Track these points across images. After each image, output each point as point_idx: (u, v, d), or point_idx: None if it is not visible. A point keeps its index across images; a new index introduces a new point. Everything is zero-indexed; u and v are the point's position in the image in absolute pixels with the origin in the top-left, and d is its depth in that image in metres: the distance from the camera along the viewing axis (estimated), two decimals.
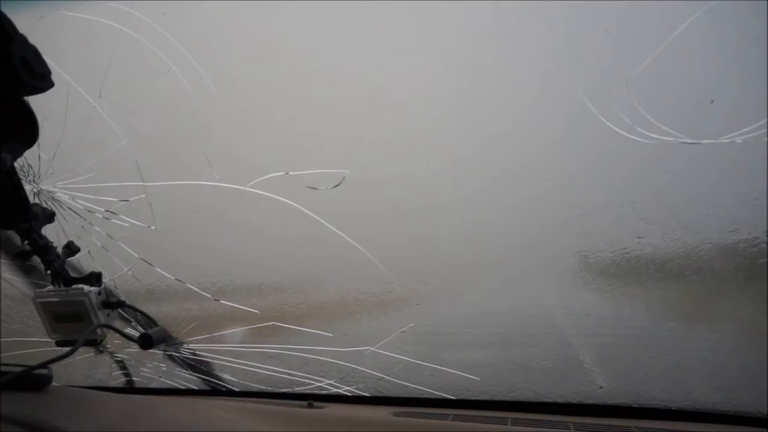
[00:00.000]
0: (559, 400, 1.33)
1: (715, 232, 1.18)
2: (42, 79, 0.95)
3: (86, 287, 1.32)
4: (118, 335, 1.33)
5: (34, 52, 0.93)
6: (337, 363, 1.48)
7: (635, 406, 1.27)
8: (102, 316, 1.32)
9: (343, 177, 1.24)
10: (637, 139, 1.14)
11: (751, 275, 1.16)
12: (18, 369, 1.13)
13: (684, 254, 1.19)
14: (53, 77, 1.01)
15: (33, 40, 0.89)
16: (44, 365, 1.14)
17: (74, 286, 1.32)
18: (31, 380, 1.17)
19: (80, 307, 1.31)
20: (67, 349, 1.18)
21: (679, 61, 1.10)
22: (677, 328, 1.27)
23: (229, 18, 1.21)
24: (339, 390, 1.48)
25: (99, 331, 1.29)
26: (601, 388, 1.29)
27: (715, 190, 1.18)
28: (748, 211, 1.14)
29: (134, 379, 1.64)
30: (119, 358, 1.64)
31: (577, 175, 1.18)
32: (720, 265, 1.19)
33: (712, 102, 1.12)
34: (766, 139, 1.09)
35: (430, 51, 1.11)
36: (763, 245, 1.14)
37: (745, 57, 1.11)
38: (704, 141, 1.13)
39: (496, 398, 1.40)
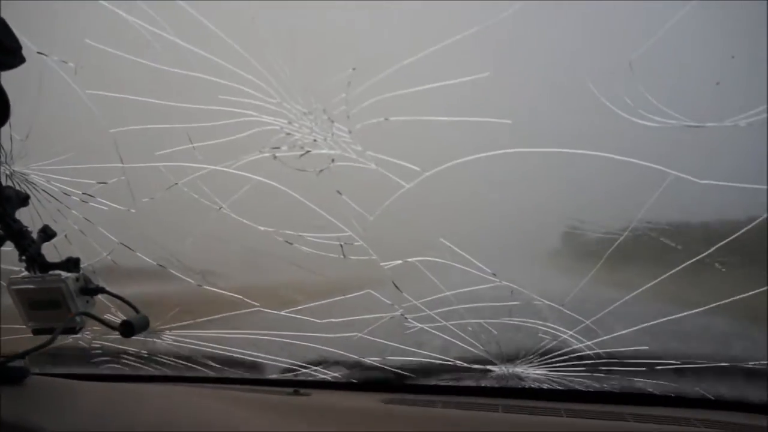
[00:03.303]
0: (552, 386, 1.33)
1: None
2: (11, 54, 0.90)
3: (63, 273, 1.27)
4: (98, 322, 1.29)
5: (2, 25, 0.88)
6: (323, 348, 1.46)
7: (627, 392, 1.28)
8: (80, 303, 1.28)
9: (332, 160, 1.21)
10: (640, 121, 1.13)
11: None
12: None
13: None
14: (24, 52, 0.95)
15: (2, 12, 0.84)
16: (20, 356, 1.09)
17: (51, 273, 1.28)
18: (7, 373, 1.13)
19: (57, 294, 1.26)
20: (45, 337, 1.14)
21: (682, 44, 1.08)
22: None
23: None
24: (325, 376, 1.46)
25: (78, 318, 1.26)
26: None
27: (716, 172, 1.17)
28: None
29: (116, 366, 1.60)
30: (99, 345, 1.60)
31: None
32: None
33: (717, 84, 1.11)
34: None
35: (426, 37, 1.07)
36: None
37: (749, 40, 1.10)
38: (708, 124, 1.12)
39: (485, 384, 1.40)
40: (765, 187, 1.15)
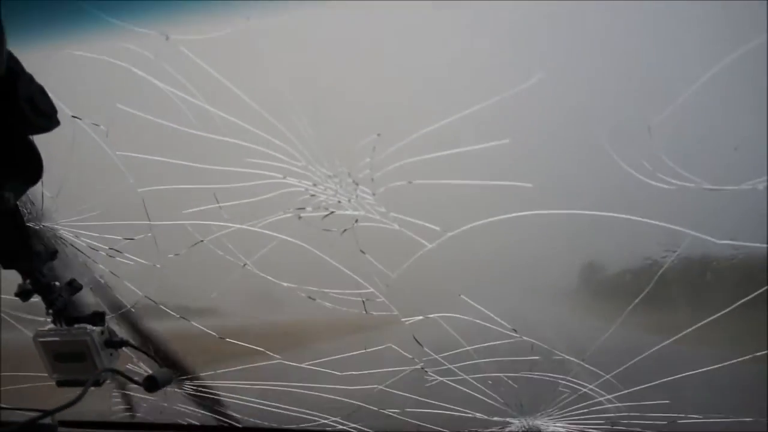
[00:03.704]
0: None
1: None
2: (48, 118, 0.94)
3: (89, 326, 1.30)
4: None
5: (41, 91, 0.92)
6: (343, 400, 1.46)
7: None
8: (105, 356, 1.31)
9: (356, 220, 1.23)
10: (658, 184, 1.14)
11: None
12: (20, 420, 1.10)
13: None
14: (59, 116, 0.99)
15: (39, 78, 0.87)
16: (48, 414, 1.12)
17: (76, 326, 1.30)
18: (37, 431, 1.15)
19: (83, 347, 1.30)
20: (73, 394, 1.16)
21: (702, 108, 1.10)
22: None
23: (238, 54, 1.20)
24: (344, 427, 1.47)
25: (104, 372, 1.28)
26: None
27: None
28: None
29: (137, 414, 1.62)
30: (118, 393, 1.61)
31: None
32: None
33: (735, 149, 1.13)
34: None
35: (449, 105, 1.11)
36: None
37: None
38: (726, 187, 1.14)
39: None
40: None
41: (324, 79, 1.20)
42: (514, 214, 1.17)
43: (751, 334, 1.28)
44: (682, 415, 1.34)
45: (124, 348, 1.35)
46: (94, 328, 1.29)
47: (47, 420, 1.20)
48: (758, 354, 1.26)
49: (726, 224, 1.17)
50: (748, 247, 1.19)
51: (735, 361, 1.27)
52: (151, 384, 1.30)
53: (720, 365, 1.29)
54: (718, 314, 1.24)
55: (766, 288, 1.21)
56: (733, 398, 1.39)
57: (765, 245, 1.19)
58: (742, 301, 1.22)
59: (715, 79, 1.06)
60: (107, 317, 1.32)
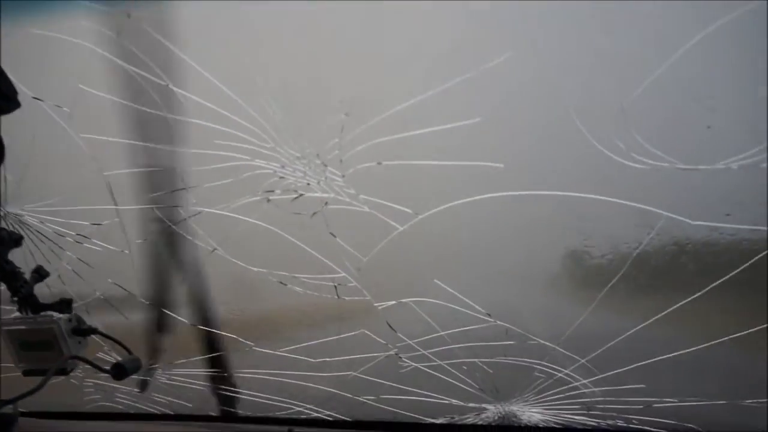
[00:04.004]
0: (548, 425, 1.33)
1: None
2: (8, 100, 0.91)
3: (56, 314, 1.27)
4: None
5: (0, 72, 0.89)
6: (318, 387, 1.45)
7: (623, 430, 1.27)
8: (72, 344, 1.28)
9: (325, 203, 1.21)
10: (632, 164, 1.13)
11: None
12: None
13: None
14: (20, 97, 0.97)
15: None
16: (9, 402, 1.09)
17: (43, 313, 1.27)
18: None
19: (49, 335, 1.26)
20: (35, 379, 1.13)
21: (675, 87, 1.09)
22: None
23: (203, 34, 1.17)
24: (319, 415, 1.46)
25: (69, 360, 1.25)
26: None
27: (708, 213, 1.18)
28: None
29: (108, 403, 1.59)
30: (91, 383, 1.59)
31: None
32: None
33: (708, 127, 1.12)
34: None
35: (418, 83, 1.09)
36: None
37: (742, 83, 1.11)
38: (700, 167, 1.13)
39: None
40: (761, 228, 1.16)
41: (291, 59, 1.17)
42: (486, 195, 1.16)
43: (726, 317, 1.28)
44: (658, 399, 1.33)
45: (93, 336, 1.32)
46: (61, 315, 1.26)
47: (8, 409, 1.17)
48: (733, 336, 1.25)
49: (700, 204, 1.16)
50: (722, 228, 1.19)
51: (710, 344, 1.27)
52: (119, 372, 1.27)
53: (695, 348, 1.28)
54: (692, 297, 1.23)
55: (739, 270, 1.21)
56: (708, 381, 1.38)
57: (741, 226, 1.19)
58: (716, 283, 1.22)
59: (687, 57, 1.06)
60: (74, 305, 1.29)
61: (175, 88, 1.13)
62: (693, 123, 1.11)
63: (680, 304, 1.26)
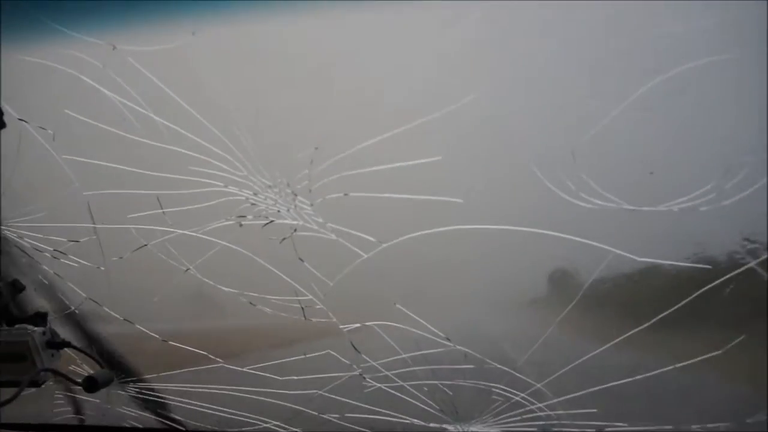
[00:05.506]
0: None
1: None
2: None
3: (30, 327, 1.30)
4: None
5: None
6: (284, 405, 1.49)
7: None
8: (45, 357, 1.31)
9: (294, 229, 1.27)
10: (582, 204, 1.21)
11: None
12: None
13: None
14: (6, 118, 1.02)
15: None
16: None
17: (17, 326, 1.30)
18: None
19: (23, 348, 1.29)
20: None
21: (621, 134, 1.18)
22: None
23: (182, 66, 1.24)
24: (285, 431, 1.50)
25: (42, 373, 1.28)
26: None
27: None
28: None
29: (78, 416, 1.62)
30: (61, 395, 1.61)
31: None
32: None
33: (651, 173, 1.20)
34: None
35: (384, 122, 1.16)
36: None
37: (685, 130, 1.20)
38: (644, 208, 1.21)
39: None
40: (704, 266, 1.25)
41: (265, 93, 1.24)
42: (446, 228, 1.23)
43: (671, 346, 1.35)
44: (609, 423, 1.39)
45: (67, 349, 1.35)
46: (35, 328, 1.29)
47: None
48: (679, 365, 1.32)
49: (645, 242, 1.24)
50: (667, 264, 1.27)
51: (658, 371, 1.34)
52: (90, 384, 1.30)
53: (645, 375, 1.35)
54: (640, 328, 1.31)
55: (684, 302, 1.28)
56: (658, 406, 1.45)
57: (684, 263, 1.27)
58: (662, 315, 1.29)
59: (632, 107, 1.14)
60: (49, 318, 1.33)
61: (154, 116, 1.19)
62: (638, 168, 1.20)
63: (629, 333, 1.33)
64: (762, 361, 1.32)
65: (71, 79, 1.19)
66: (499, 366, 1.40)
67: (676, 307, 1.28)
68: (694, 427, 1.34)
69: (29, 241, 1.43)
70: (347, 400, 1.46)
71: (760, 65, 1.14)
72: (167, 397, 1.56)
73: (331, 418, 1.47)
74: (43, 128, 1.29)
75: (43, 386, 1.32)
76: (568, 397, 1.40)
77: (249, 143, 1.21)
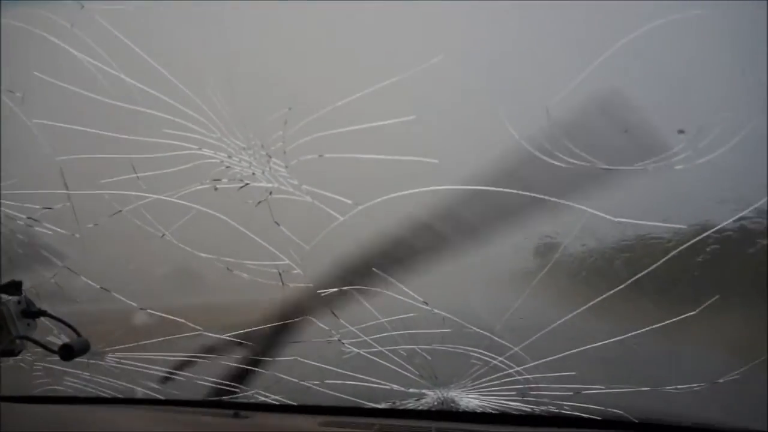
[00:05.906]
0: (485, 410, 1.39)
1: None
2: None
3: (4, 296, 1.28)
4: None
5: None
6: (263, 372, 1.49)
7: (555, 415, 1.34)
8: (21, 326, 1.29)
9: (270, 192, 1.26)
10: (556, 163, 1.21)
11: None
12: None
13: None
14: None
15: None
16: None
17: None
18: None
19: None
20: None
21: (597, 92, 1.18)
22: None
23: (153, 26, 1.22)
24: (265, 399, 1.50)
25: (17, 341, 1.27)
26: None
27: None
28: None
29: (57, 387, 1.61)
30: (41, 366, 1.60)
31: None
32: None
33: (626, 131, 1.20)
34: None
35: (357, 81, 1.15)
36: None
37: (661, 90, 1.20)
38: (618, 167, 1.21)
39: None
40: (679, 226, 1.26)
41: (238, 54, 1.23)
42: (421, 189, 1.23)
43: (646, 309, 1.37)
44: (586, 386, 1.41)
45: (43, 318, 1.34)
46: (10, 297, 1.27)
47: None
48: (654, 326, 1.34)
49: (620, 202, 1.25)
50: (642, 225, 1.28)
51: (633, 333, 1.35)
52: (66, 352, 1.29)
53: (620, 338, 1.36)
54: (615, 290, 1.32)
55: (659, 264, 1.30)
56: (633, 369, 1.47)
57: (659, 223, 1.28)
58: (637, 277, 1.30)
59: (607, 63, 1.14)
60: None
61: (126, 78, 1.17)
62: (612, 126, 1.20)
63: (605, 296, 1.34)
64: (736, 321, 1.34)
65: (39, 40, 1.17)
66: (477, 330, 1.41)
67: (650, 268, 1.29)
68: (668, 388, 1.36)
69: (2, 209, 1.40)
70: (327, 367, 1.46)
71: (737, 22, 1.14)
72: (144, 365, 1.56)
73: (311, 385, 1.47)
74: (11, 91, 1.27)
75: (19, 356, 1.31)
76: (545, 360, 1.41)
77: (222, 105, 1.19)
